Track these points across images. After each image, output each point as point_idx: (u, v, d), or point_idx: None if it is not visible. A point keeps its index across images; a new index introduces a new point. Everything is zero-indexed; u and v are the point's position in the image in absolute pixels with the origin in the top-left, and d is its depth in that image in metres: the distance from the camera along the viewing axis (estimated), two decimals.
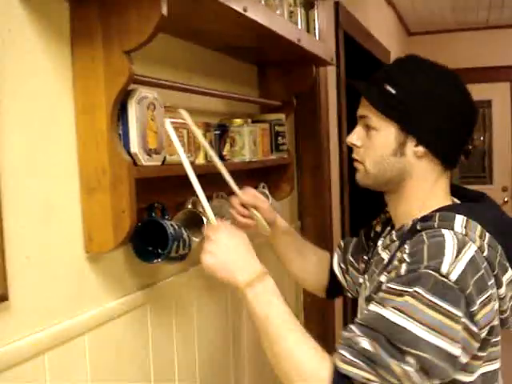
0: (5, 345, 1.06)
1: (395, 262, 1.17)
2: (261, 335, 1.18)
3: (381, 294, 1.13)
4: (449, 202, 1.29)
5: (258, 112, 2.20)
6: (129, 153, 1.26)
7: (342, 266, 1.62)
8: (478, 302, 1.09)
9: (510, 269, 1.19)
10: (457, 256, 1.09)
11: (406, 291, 1.08)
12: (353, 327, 1.12)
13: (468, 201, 1.31)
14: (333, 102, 3.19)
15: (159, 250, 1.40)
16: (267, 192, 2.06)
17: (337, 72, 3.26)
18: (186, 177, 1.57)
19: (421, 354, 1.04)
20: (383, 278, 1.20)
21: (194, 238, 1.56)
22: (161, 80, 1.40)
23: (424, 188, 1.27)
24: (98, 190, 1.24)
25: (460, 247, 1.11)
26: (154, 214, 1.40)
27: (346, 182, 3.51)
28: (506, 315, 1.21)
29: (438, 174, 1.28)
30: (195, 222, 1.56)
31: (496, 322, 1.16)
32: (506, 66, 5.96)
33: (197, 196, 1.31)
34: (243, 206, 1.50)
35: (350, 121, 3.63)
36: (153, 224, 1.38)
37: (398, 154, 1.25)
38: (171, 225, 1.38)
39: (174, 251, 1.36)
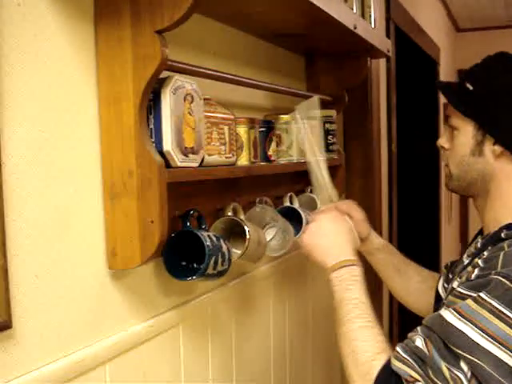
0: (7, 382, 0.88)
1: (469, 268, 1.12)
2: (336, 320, 1.18)
3: (449, 298, 1.09)
4: None
5: None
6: (161, 152, 1.07)
7: (446, 285, 1.40)
8: None
9: None
10: None
11: (470, 295, 1.02)
12: (418, 328, 1.07)
13: None
14: (383, 98, 2.96)
15: (194, 265, 1.20)
16: (315, 197, 1.85)
17: (387, 66, 3.03)
18: (224, 180, 1.39)
19: (476, 361, 0.97)
20: (455, 284, 1.15)
21: (235, 250, 1.37)
22: (201, 68, 1.20)
23: (509, 192, 1.19)
24: (123, 196, 1.05)
25: None
26: (188, 224, 1.21)
27: (395, 185, 3.28)
28: None
29: None
30: (236, 232, 1.36)
31: None
32: None
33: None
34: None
35: (400, 119, 3.43)
36: (188, 235, 1.19)
37: (477, 154, 1.20)
38: (208, 236, 1.18)
39: (211, 267, 1.16)
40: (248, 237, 1.31)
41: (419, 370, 1.00)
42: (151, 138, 1.07)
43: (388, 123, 3.11)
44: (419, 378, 0.99)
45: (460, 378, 0.97)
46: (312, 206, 1.82)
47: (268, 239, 1.48)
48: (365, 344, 1.10)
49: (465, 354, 0.97)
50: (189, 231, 1.18)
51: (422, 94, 4.20)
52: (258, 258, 1.41)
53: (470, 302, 1.01)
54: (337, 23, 1.51)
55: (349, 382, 1.11)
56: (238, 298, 1.55)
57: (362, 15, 1.88)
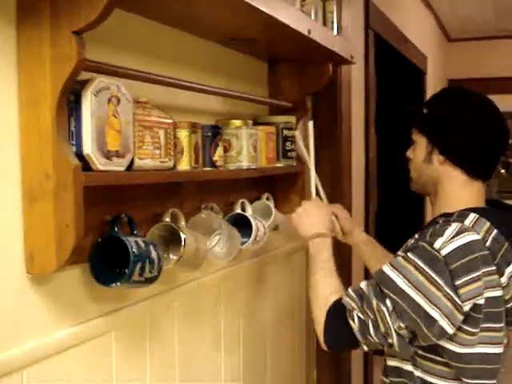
0: None
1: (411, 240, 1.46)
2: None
3: None
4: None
5: (268, 114, 1.98)
6: (82, 155, 1.05)
7: None
8: (465, 279, 1.28)
9: None
10: (453, 238, 1.31)
11: (401, 255, 1.35)
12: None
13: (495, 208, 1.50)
14: (359, 106, 2.94)
15: (125, 271, 1.18)
16: (271, 204, 1.83)
17: (365, 74, 3.02)
18: (165, 185, 1.37)
19: (397, 299, 1.30)
20: None
21: (173, 256, 1.34)
22: (129, 70, 1.18)
23: (451, 191, 1.47)
24: (40, 199, 1.03)
25: (459, 232, 1.32)
26: (116, 229, 1.18)
27: (373, 192, 3.26)
28: (510, 304, 1.41)
29: (463, 182, 1.46)
30: (176, 239, 1.34)
31: (481, 302, 1.30)
32: None
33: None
34: None
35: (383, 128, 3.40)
36: (115, 241, 1.17)
37: (427, 161, 1.49)
38: (136, 242, 1.16)
39: (137, 273, 1.14)
40: (183, 243, 1.29)
41: (358, 302, 1.34)
42: (72, 140, 1.05)
43: (365, 131, 3.09)
44: (355, 307, 1.35)
45: (383, 311, 1.31)
46: (268, 214, 1.80)
47: (211, 246, 1.46)
48: (324, 288, 1.46)
49: (390, 294, 1.30)
50: (115, 236, 1.16)
51: (408, 103, 4.17)
52: (197, 265, 1.38)
53: (400, 258, 1.34)
54: (288, 28, 1.50)
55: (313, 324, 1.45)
56: (183, 307, 1.52)
57: (324, 21, 1.87)
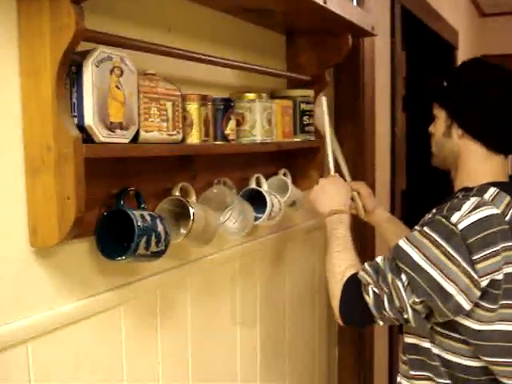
0: None
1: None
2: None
3: None
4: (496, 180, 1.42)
5: (286, 88, 1.94)
6: (83, 127, 1.03)
7: None
8: (482, 254, 1.25)
9: None
10: (470, 212, 1.28)
11: (418, 229, 1.33)
12: None
13: None
14: (386, 82, 2.88)
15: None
16: (288, 180, 1.80)
17: (391, 48, 2.95)
18: (175, 159, 1.35)
19: (413, 274, 1.28)
20: None
21: (183, 231, 1.33)
22: (134, 41, 1.16)
23: (471, 166, 1.44)
24: (42, 172, 1.02)
25: (477, 206, 1.29)
26: (122, 202, 1.17)
27: (400, 169, 3.20)
28: None
29: (483, 156, 1.43)
30: (186, 213, 1.32)
31: (499, 277, 1.27)
32: None
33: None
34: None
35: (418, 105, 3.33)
36: (122, 214, 1.15)
37: (447, 135, 1.47)
38: (141, 215, 1.14)
39: (142, 247, 1.13)
40: (192, 217, 1.27)
41: (373, 277, 1.34)
42: (73, 112, 1.04)
43: (392, 107, 3.03)
44: (371, 282, 1.34)
45: (398, 285, 1.29)
46: (284, 190, 1.77)
47: (223, 221, 1.44)
48: (340, 263, 1.45)
49: (406, 269, 1.29)
50: (120, 210, 1.15)
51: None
52: (208, 240, 1.36)
53: (416, 233, 1.32)
54: None
55: (330, 297, 1.44)
56: (196, 282, 1.51)
57: None
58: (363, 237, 2.35)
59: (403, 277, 1.29)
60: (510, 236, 1.29)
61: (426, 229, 1.30)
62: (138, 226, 1.12)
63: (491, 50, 5.54)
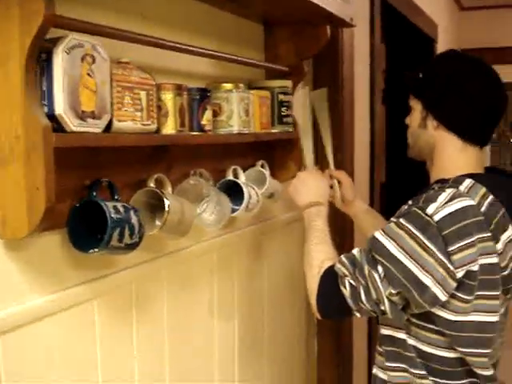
0: None
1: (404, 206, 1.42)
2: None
3: None
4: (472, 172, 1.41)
5: (264, 79, 1.92)
6: (54, 116, 1.00)
7: None
8: (458, 245, 1.25)
9: (509, 229, 1.35)
10: (446, 203, 1.28)
11: (394, 221, 1.33)
12: None
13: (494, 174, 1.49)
14: (365, 74, 2.87)
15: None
16: (266, 171, 1.78)
17: (370, 40, 2.94)
18: (150, 149, 1.33)
19: (389, 265, 1.27)
20: None
21: (158, 223, 1.30)
22: (106, 28, 1.13)
23: (447, 158, 1.44)
24: (11, 162, 0.99)
25: (452, 198, 1.29)
26: (95, 194, 1.15)
27: (379, 163, 3.20)
28: (507, 272, 1.35)
29: (459, 147, 1.43)
30: (160, 205, 1.30)
31: (475, 268, 1.27)
32: None
33: None
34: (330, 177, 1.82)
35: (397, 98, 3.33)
36: (94, 206, 1.13)
37: (422, 126, 1.47)
38: (114, 207, 1.12)
39: (115, 239, 1.10)
40: (167, 209, 1.25)
41: (350, 269, 1.33)
42: (43, 100, 1.01)
43: (371, 99, 3.02)
44: (348, 274, 1.33)
45: (374, 277, 1.29)
46: (262, 181, 1.76)
47: (199, 213, 1.42)
48: (318, 255, 1.45)
49: (382, 260, 1.29)
50: (92, 201, 1.12)
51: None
52: (184, 232, 1.34)
53: (392, 224, 1.32)
54: None
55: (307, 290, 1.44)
56: (173, 275, 1.49)
57: None
58: (342, 230, 2.34)
59: (379, 268, 1.29)
60: (485, 227, 1.30)
61: (401, 220, 1.30)
62: (111, 217, 1.09)
63: (470, 44, 5.56)
